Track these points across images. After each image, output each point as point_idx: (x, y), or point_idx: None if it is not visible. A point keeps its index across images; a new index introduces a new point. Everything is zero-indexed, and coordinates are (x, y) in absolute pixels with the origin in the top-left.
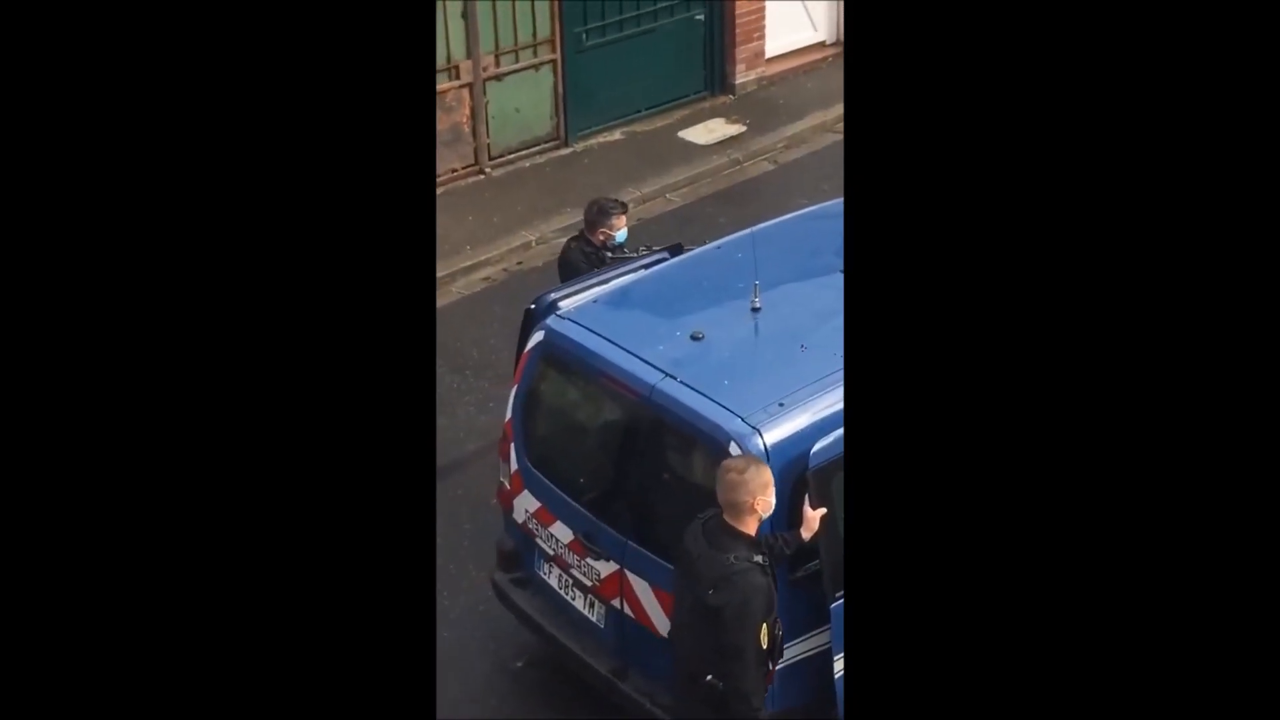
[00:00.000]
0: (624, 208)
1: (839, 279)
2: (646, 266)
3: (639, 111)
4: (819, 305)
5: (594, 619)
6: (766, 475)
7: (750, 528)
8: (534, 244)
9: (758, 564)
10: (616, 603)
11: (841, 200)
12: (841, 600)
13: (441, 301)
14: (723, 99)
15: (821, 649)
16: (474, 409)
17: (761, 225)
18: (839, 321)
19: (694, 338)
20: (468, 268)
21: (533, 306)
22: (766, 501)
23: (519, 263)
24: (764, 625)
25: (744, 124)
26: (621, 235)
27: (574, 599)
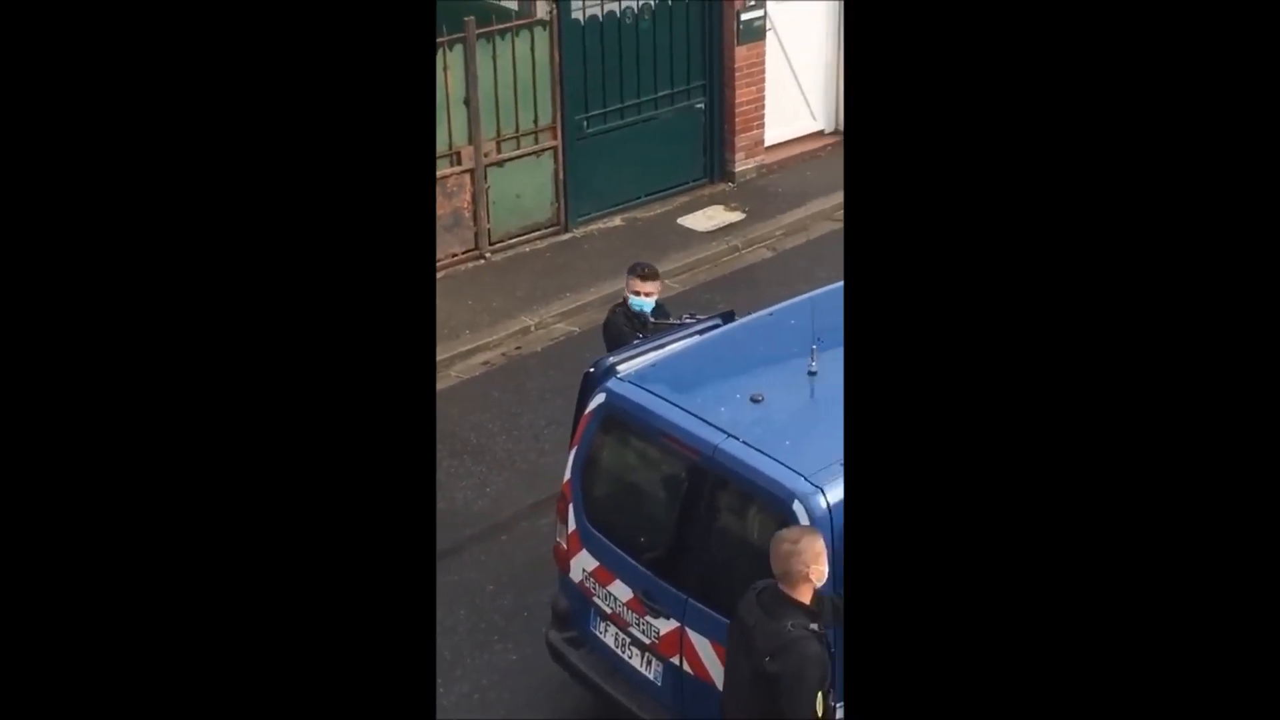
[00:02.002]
0: (651, 274)
1: None
2: (701, 332)
3: (639, 198)
4: None
5: (651, 676)
6: (820, 544)
7: (805, 596)
8: (533, 329)
9: (814, 632)
10: (675, 660)
11: None
12: None
13: (440, 385)
14: (722, 186)
15: None
16: (471, 493)
17: (815, 292)
18: None
19: (753, 400)
20: (466, 352)
21: (591, 370)
22: (820, 570)
23: (518, 347)
24: (820, 695)
25: (743, 211)
26: (641, 304)
27: (630, 657)
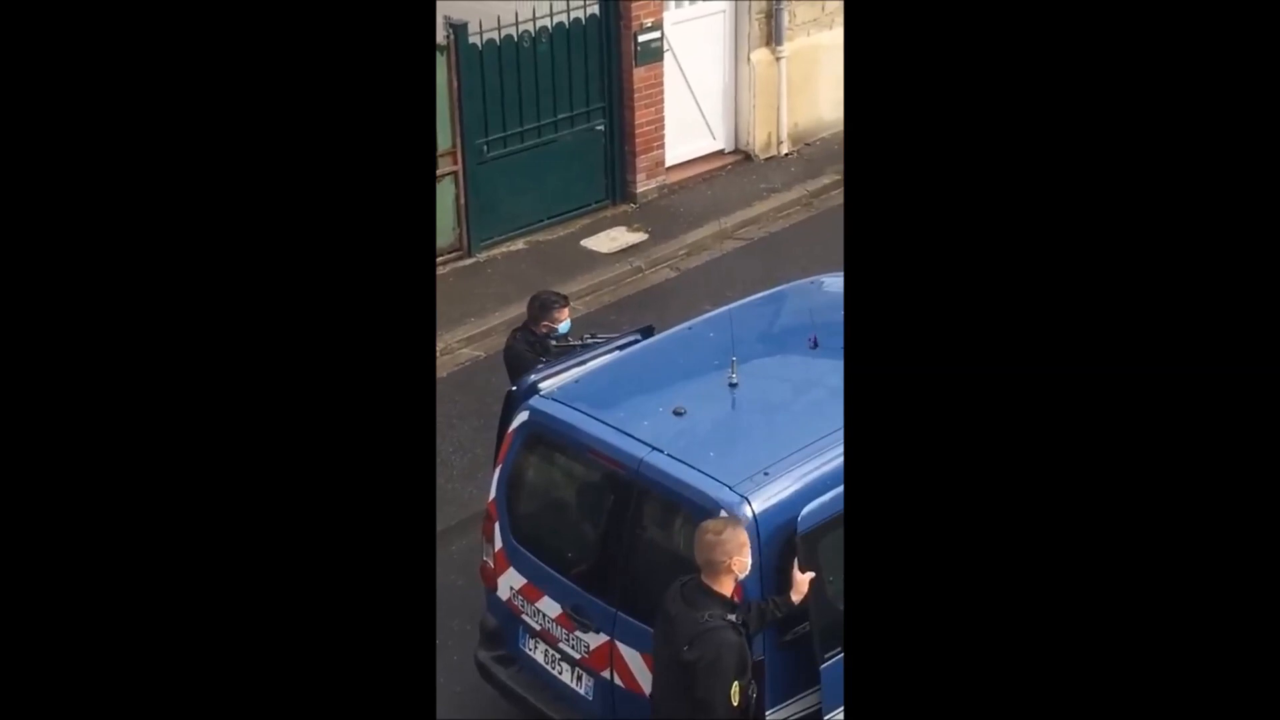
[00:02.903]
0: (566, 300)
1: (811, 354)
2: (621, 348)
3: (541, 221)
4: (794, 379)
5: (582, 691)
6: (742, 536)
7: (726, 588)
8: (438, 355)
9: (730, 622)
10: (606, 674)
11: (803, 282)
12: (831, 661)
13: None
14: (624, 208)
15: (812, 710)
16: None
17: (732, 305)
18: (814, 394)
19: (676, 413)
20: None
21: (514, 389)
22: (743, 562)
23: None
24: (736, 683)
25: (645, 232)
26: (565, 326)
27: (561, 673)
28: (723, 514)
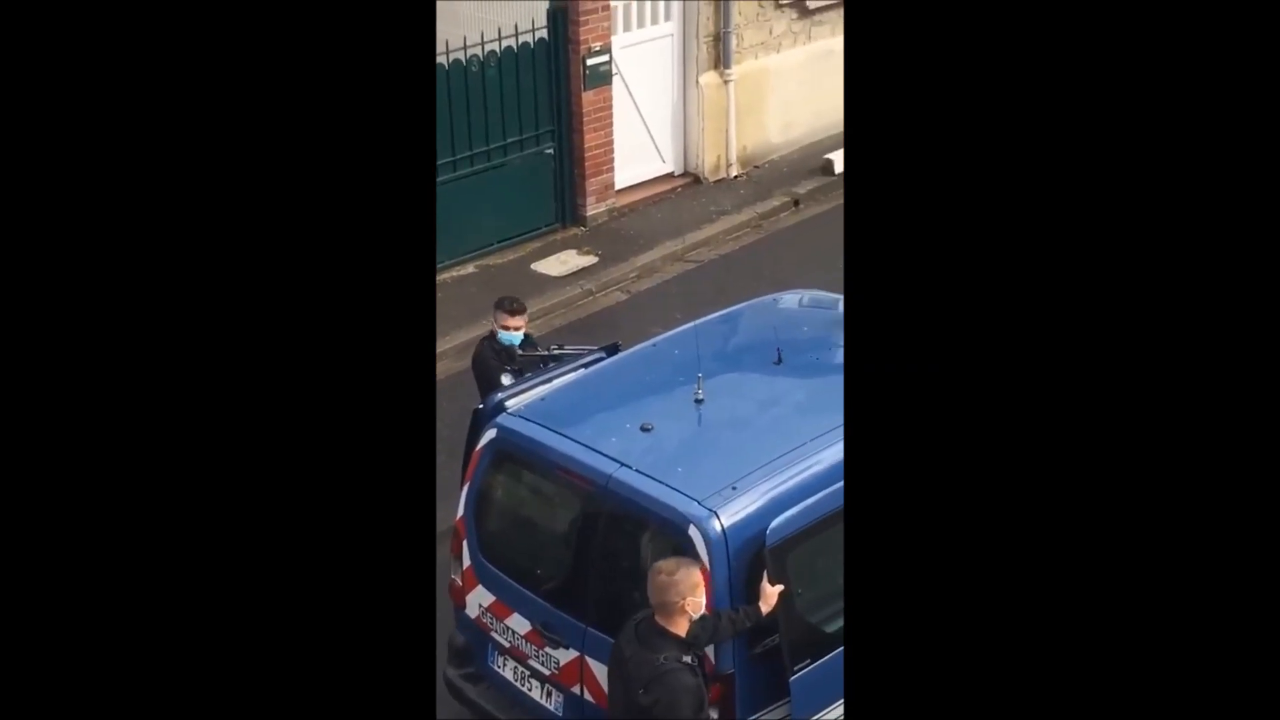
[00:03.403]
0: (520, 308)
1: (774, 370)
2: (586, 365)
3: (491, 245)
4: (758, 395)
5: (552, 707)
6: (696, 576)
7: (680, 628)
8: None
9: (687, 664)
10: (576, 689)
11: (762, 299)
12: (801, 673)
13: None
14: (574, 231)
15: None
16: None
17: (698, 321)
18: (779, 409)
19: (644, 429)
20: None
21: (480, 407)
22: (696, 602)
23: None
24: None
25: (596, 255)
26: (513, 338)
27: (531, 689)
28: (692, 528)
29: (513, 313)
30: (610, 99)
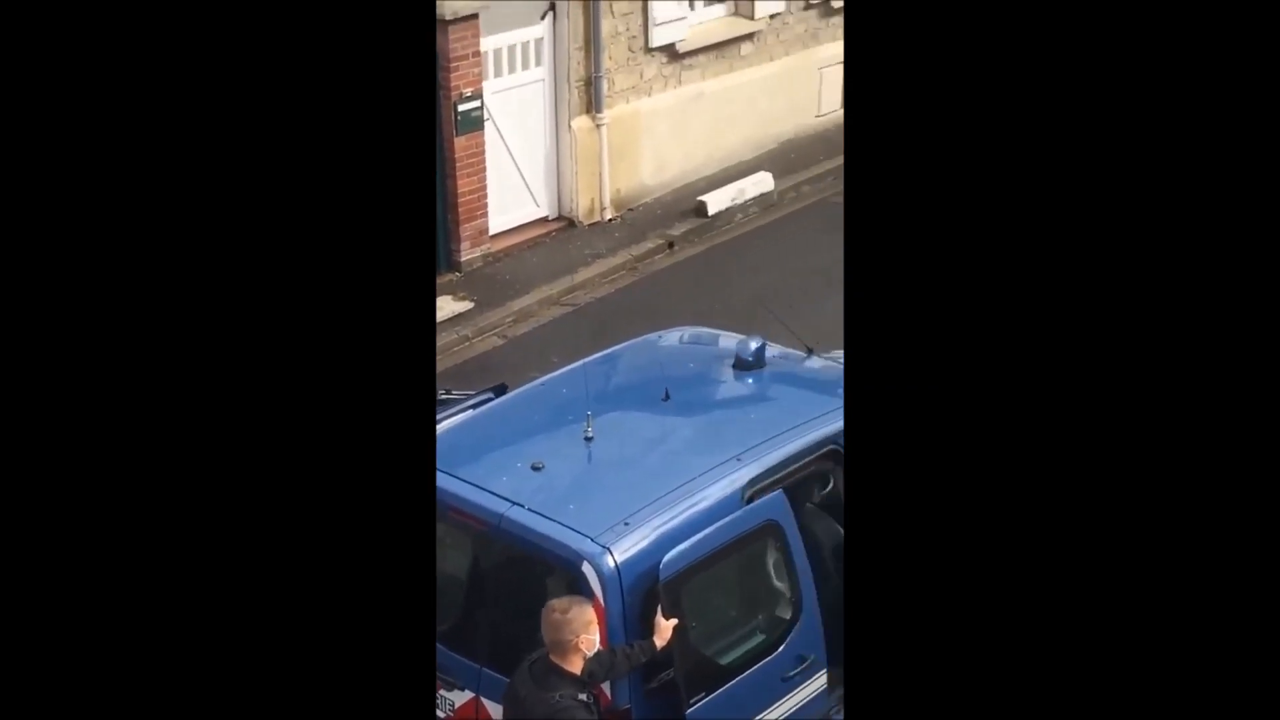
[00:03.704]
0: None
1: (661, 408)
2: (475, 406)
3: None
4: (647, 432)
5: None
6: (589, 614)
7: (575, 666)
8: None
9: (583, 702)
10: None
11: (646, 337)
12: (697, 706)
13: None
14: (449, 276)
15: None
16: None
17: (586, 360)
18: (669, 445)
19: (534, 468)
20: None
21: None
22: (590, 640)
23: None
24: None
25: (471, 300)
26: None
27: None
28: (585, 565)
29: None
30: (482, 144)
